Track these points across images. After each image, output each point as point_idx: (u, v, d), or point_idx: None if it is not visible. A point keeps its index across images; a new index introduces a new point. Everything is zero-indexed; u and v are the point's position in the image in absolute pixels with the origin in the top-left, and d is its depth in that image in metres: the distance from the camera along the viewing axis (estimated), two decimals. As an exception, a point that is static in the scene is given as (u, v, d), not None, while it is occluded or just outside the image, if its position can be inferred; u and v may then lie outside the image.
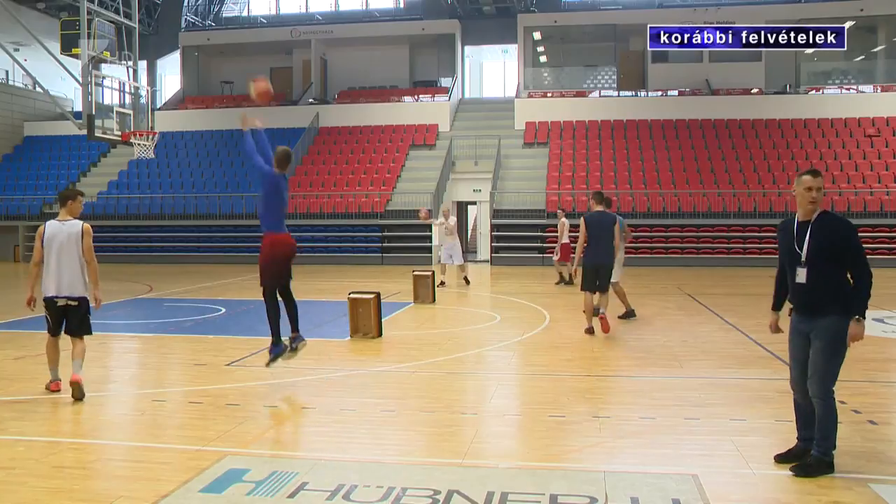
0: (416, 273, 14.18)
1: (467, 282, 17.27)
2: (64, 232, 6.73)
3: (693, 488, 4.50)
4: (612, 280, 10.59)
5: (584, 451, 5.32)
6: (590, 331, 10.07)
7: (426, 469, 4.87)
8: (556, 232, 18.52)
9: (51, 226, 6.80)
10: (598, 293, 10.07)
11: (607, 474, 4.74)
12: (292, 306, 7.37)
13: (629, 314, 11.53)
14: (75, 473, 4.86)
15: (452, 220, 17.46)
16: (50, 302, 6.74)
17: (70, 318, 6.78)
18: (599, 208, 10.30)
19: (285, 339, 7.33)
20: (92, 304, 6.86)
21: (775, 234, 5.14)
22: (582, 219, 10.40)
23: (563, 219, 17.71)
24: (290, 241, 7.41)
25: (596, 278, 10.04)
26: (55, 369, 6.97)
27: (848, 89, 29.79)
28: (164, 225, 26.69)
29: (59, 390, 6.89)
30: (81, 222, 6.84)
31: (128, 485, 4.64)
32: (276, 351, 7.23)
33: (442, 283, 16.54)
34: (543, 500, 4.34)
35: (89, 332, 6.90)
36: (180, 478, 4.70)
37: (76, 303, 6.77)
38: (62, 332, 6.83)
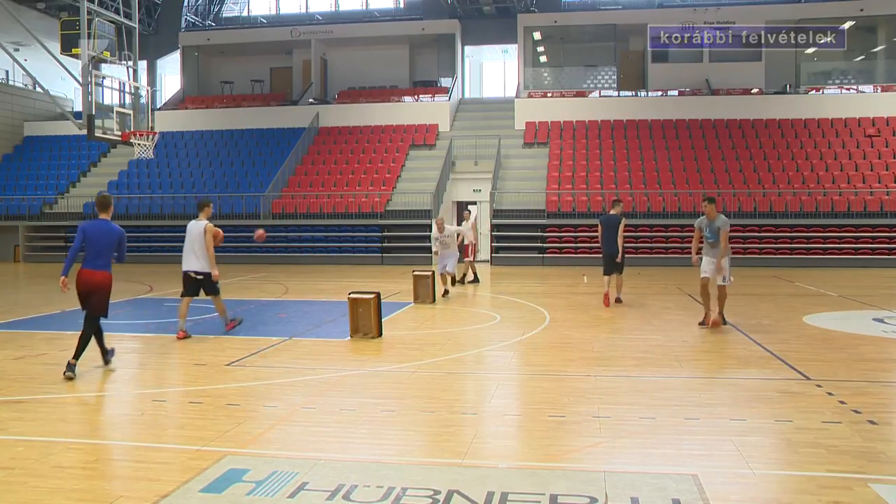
0: (416, 273, 14.17)
1: (460, 282, 17.19)
2: (196, 228, 9.98)
3: (693, 488, 4.50)
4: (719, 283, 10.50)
5: (584, 451, 5.32)
6: (617, 300, 13.53)
7: (426, 469, 4.87)
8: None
9: (191, 223, 10.11)
10: (615, 275, 13.47)
11: (607, 474, 4.74)
12: (84, 335, 7.80)
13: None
14: (75, 473, 4.85)
15: (450, 229, 15.38)
16: (184, 274, 10.09)
17: (203, 285, 10.09)
18: (612, 211, 13.58)
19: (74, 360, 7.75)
20: (214, 276, 10.03)
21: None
22: (599, 220, 13.82)
23: (473, 220, 17.83)
24: (84, 278, 7.79)
25: (607, 263, 13.42)
26: (181, 321, 9.99)
27: (848, 89, 29.79)
28: (164, 225, 26.68)
29: (184, 337, 9.83)
30: (206, 222, 10.00)
31: (128, 485, 4.64)
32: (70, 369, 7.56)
33: (445, 293, 15.77)
34: (543, 500, 4.34)
35: (217, 293, 10.19)
36: (180, 478, 4.70)
37: (202, 276, 10.01)
38: (197, 295, 10.12)
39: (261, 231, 10.98)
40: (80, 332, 7.82)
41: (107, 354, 8.20)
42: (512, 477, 4.75)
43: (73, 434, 5.77)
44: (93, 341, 7.92)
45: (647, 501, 4.31)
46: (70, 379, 7.48)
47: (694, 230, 10.98)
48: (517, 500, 4.36)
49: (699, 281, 10.82)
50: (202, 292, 10.20)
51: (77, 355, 7.70)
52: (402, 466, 4.92)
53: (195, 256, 9.92)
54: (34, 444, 5.44)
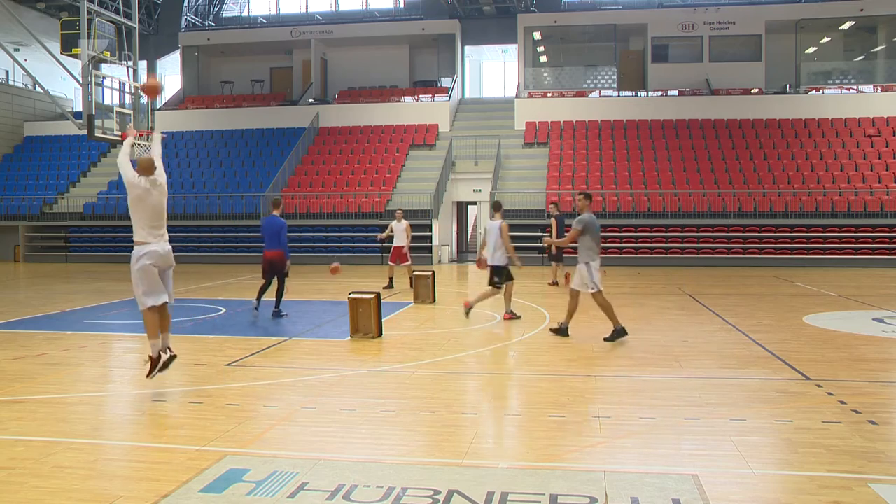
0: (416, 273, 14.18)
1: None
2: (493, 225, 11.63)
3: (693, 488, 4.50)
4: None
5: (584, 451, 5.32)
6: (558, 284, 16.67)
7: (426, 469, 4.87)
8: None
9: (489, 223, 11.83)
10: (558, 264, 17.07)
11: (607, 474, 4.74)
12: (279, 290, 11.99)
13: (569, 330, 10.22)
14: (75, 473, 4.85)
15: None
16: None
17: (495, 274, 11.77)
18: (557, 213, 16.89)
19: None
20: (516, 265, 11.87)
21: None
22: (553, 217, 16.79)
23: (404, 220, 16.68)
24: (265, 256, 11.75)
25: (557, 254, 17.18)
26: (507, 304, 12.07)
27: (848, 89, 29.80)
28: (163, 225, 26.61)
29: (510, 318, 11.79)
30: (502, 221, 11.61)
31: (128, 485, 4.64)
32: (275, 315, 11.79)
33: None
34: (543, 500, 4.34)
35: (492, 285, 11.70)
36: (180, 478, 4.69)
37: (493, 267, 11.62)
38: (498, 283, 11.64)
39: (336, 266, 12.60)
40: (277, 290, 11.84)
41: (278, 307, 11.75)
42: (512, 477, 4.74)
43: (73, 434, 5.77)
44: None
45: (647, 501, 4.31)
46: (282, 316, 11.55)
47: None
48: (517, 500, 4.35)
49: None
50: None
51: (277, 304, 11.77)
52: (402, 466, 4.92)
53: (493, 251, 11.64)
54: (34, 444, 5.44)
